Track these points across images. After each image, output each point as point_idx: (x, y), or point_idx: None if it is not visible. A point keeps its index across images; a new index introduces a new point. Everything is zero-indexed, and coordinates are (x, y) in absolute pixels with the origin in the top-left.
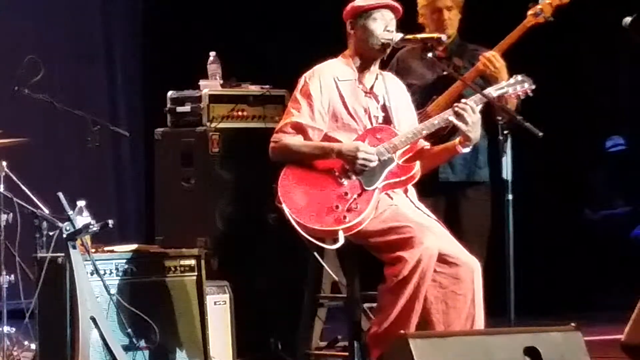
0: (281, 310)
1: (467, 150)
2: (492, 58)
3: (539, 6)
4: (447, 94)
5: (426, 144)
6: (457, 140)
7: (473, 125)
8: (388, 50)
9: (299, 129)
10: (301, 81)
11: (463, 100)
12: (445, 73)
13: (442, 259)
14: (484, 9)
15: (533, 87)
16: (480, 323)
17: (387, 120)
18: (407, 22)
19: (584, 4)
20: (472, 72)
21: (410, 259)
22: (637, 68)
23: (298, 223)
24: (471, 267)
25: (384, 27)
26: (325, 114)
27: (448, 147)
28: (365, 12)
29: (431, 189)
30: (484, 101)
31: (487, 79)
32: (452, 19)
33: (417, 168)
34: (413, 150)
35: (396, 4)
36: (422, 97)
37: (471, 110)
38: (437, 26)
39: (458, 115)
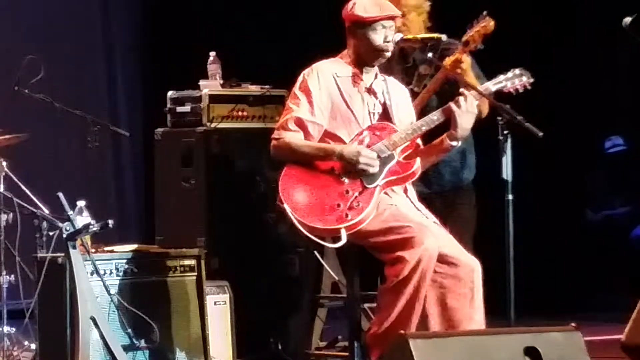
0: (281, 310)
1: (455, 144)
2: (459, 59)
3: (469, 34)
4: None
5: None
6: (445, 135)
7: (466, 115)
8: (383, 60)
9: (300, 124)
10: (300, 78)
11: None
12: (415, 89)
13: (442, 259)
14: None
15: (531, 80)
16: (479, 323)
17: (387, 116)
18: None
19: (584, 3)
20: (436, 82)
21: (411, 259)
22: (637, 68)
23: (300, 222)
24: (471, 267)
25: (384, 38)
26: (325, 109)
27: (436, 143)
28: (366, 24)
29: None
30: (478, 98)
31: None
32: (409, 24)
33: (417, 164)
34: (413, 147)
35: (397, 13)
36: None
37: (468, 100)
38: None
39: (456, 101)
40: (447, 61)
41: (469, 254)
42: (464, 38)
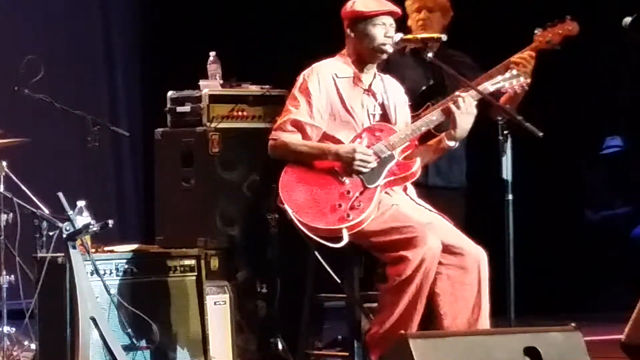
0: (281, 310)
1: (453, 144)
2: (532, 55)
3: (549, 34)
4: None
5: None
6: (443, 134)
7: (466, 115)
8: (385, 56)
9: (298, 126)
10: (300, 79)
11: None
12: (432, 83)
13: (447, 250)
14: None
15: (528, 80)
16: (486, 312)
17: (386, 117)
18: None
19: (584, 3)
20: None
21: (414, 259)
22: (637, 68)
23: (301, 222)
24: (476, 256)
25: (384, 33)
26: (324, 112)
27: (434, 142)
28: (367, 18)
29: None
30: (479, 97)
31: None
32: (433, 21)
33: (417, 164)
34: (413, 147)
35: (397, 10)
36: (415, 103)
37: (466, 100)
38: (415, 26)
39: (455, 102)
40: (519, 58)
41: (474, 244)
42: (539, 34)
